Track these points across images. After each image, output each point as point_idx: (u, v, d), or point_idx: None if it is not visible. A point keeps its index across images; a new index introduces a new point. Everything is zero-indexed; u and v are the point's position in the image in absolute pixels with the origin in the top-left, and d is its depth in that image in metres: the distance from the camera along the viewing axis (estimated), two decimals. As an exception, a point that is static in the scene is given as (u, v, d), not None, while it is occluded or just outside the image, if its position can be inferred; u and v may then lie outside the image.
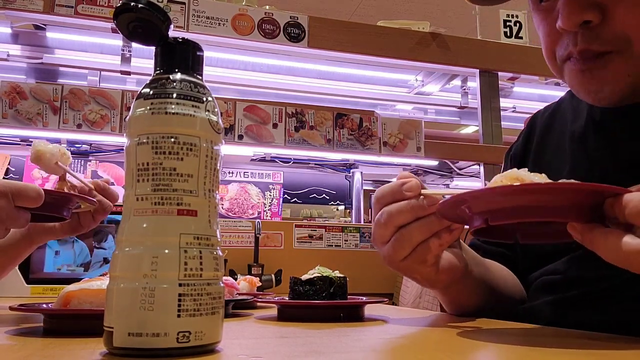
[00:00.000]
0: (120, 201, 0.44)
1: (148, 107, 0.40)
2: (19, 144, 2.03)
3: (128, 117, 0.41)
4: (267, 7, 2.16)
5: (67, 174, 0.81)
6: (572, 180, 0.44)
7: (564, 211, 0.43)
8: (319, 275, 0.72)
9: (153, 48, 0.43)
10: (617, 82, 0.61)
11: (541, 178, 0.46)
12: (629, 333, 0.49)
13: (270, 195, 2.27)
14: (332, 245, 2.02)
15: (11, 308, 0.59)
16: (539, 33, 0.69)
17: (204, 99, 0.42)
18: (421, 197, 0.57)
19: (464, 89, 2.66)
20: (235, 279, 1.10)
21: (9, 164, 2.05)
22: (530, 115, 0.89)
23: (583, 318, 0.60)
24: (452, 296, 0.71)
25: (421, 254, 0.58)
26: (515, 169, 0.47)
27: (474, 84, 2.47)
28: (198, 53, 0.43)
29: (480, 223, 0.47)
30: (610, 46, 0.60)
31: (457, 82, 2.63)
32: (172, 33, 0.42)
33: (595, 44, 0.60)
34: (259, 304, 0.91)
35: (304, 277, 0.72)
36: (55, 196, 0.71)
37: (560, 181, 0.44)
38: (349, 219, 2.39)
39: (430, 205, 0.56)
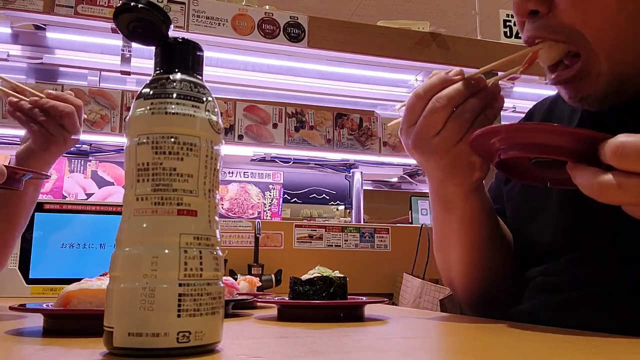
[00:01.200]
0: (120, 201, 0.44)
1: (148, 107, 0.40)
2: (19, 144, 2.03)
3: (128, 117, 0.41)
4: (267, 7, 2.16)
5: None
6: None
7: (563, 151, 0.49)
8: (319, 275, 0.72)
9: (153, 48, 0.43)
10: (594, 86, 0.62)
11: None
12: (629, 335, 0.49)
13: (270, 195, 2.27)
14: (332, 245, 2.02)
15: (11, 308, 0.59)
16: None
17: (204, 99, 0.42)
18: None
19: (464, 89, 2.65)
20: (235, 279, 1.10)
21: (9, 163, 2.05)
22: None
23: (582, 320, 0.60)
24: (458, 214, 0.72)
25: (459, 124, 0.62)
26: None
27: (474, 84, 2.46)
28: (198, 53, 0.43)
29: (497, 157, 0.55)
30: (560, 36, 0.61)
31: (457, 82, 2.62)
32: (172, 33, 0.42)
33: (540, 31, 0.62)
34: (259, 304, 0.91)
35: (304, 277, 0.72)
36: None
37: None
38: (349, 219, 2.39)
39: (481, 81, 0.63)
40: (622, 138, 0.44)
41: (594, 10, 0.59)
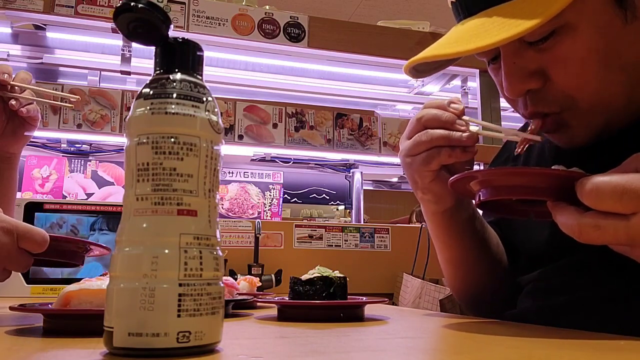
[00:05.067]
0: (120, 201, 0.44)
1: (148, 107, 0.40)
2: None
3: (128, 117, 0.41)
4: (267, 7, 2.16)
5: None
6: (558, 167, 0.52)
7: (542, 191, 0.51)
8: (319, 275, 0.71)
9: (153, 48, 0.43)
10: (576, 131, 0.64)
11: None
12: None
13: (270, 195, 2.27)
14: (332, 245, 2.01)
15: (11, 308, 0.58)
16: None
17: (204, 99, 0.42)
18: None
19: (464, 89, 2.66)
20: (235, 279, 1.10)
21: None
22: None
23: (574, 324, 0.60)
24: (445, 233, 0.77)
25: (430, 157, 0.66)
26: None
27: (474, 84, 2.46)
28: (198, 53, 0.43)
29: (478, 199, 0.55)
30: (555, 107, 0.63)
31: (457, 82, 2.63)
32: (172, 33, 0.42)
33: (541, 106, 0.63)
34: (259, 304, 0.91)
35: (304, 277, 0.72)
36: (61, 242, 0.66)
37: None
38: (349, 219, 2.39)
39: (461, 126, 0.65)
40: (597, 178, 0.45)
41: (587, 75, 0.60)
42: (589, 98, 0.61)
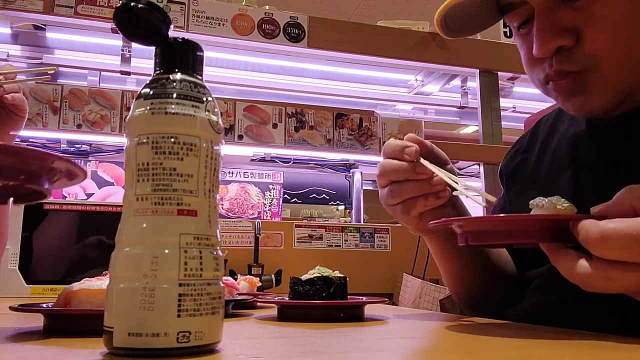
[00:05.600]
0: (120, 201, 0.44)
1: (148, 107, 0.40)
2: (19, 144, 2.03)
3: (128, 117, 0.41)
4: (267, 7, 2.16)
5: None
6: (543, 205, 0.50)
7: (534, 235, 0.49)
8: (319, 275, 0.71)
9: (153, 48, 0.43)
10: (595, 96, 0.63)
11: (569, 207, 0.51)
12: (624, 335, 0.49)
13: (270, 195, 2.27)
14: (332, 245, 2.02)
15: (11, 308, 0.58)
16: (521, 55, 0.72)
17: (204, 99, 0.42)
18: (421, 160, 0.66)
19: (464, 89, 2.66)
20: (235, 279, 1.10)
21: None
22: (529, 115, 0.91)
23: (584, 317, 0.60)
24: (444, 253, 0.78)
25: (407, 208, 0.68)
26: (539, 198, 0.52)
27: (474, 84, 2.47)
28: (198, 53, 0.43)
29: (464, 242, 0.54)
30: (580, 66, 0.62)
31: (457, 82, 2.63)
32: (172, 33, 0.42)
33: (568, 65, 0.63)
34: (259, 304, 0.91)
35: (304, 277, 0.72)
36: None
37: (531, 213, 0.51)
38: (349, 219, 2.39)
39: (420, 173, 0.65)
40: (605, 226, 0.43)
41: (617, 38, 0.60)
42: (614, 61, 0.61)
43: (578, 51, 0.62)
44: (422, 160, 0.66)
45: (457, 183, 0.64)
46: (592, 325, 0.55)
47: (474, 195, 0.63)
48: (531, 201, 0.53)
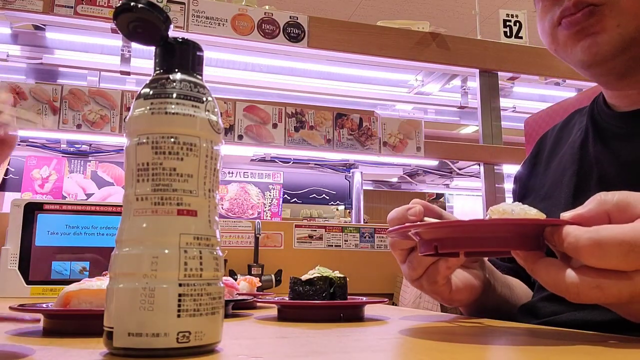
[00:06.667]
0: (120, 201, 0.44)
1: (148, 107, 0.40)
2: (19, 144, 2.03)
3: (128, 117, 0.41)
4: (267, 7, 2.16)
5: None
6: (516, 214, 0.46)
7: (506, 242, 0.46)
8: (319, 275, 0.71)
9: (153, 48, 0.43)
10: (606, 31, 0.64)
11: (537, 214, 0.47)
12: (626, 330, 0.49)
13: (270, 195, 2.27)
14: (332, 246, 2.02)
15: (11, 308, 0.58)
16: (537, 16, 0.72)
17: (204, 99, 0.42)
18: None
19: (464, 89, 2.66)
20: (235, 279, 1.10)
21: (8, 164, 2.05)
22: (529, 115, 0.91)
23: (581, 314, 0.60)
24: (474, 314, 0.74)
25: (432, 275, 0.62)
26: (504, 203, 0.49)
27: (474, 84, 2.47)
28: (198, 53, 0.43)
29: (430, 249, 0.50)
30: None
31: (457, 82, 2.63)
32: (172, 33, 0.42)
33: None
34: (259, 304, 0.91)
35: (304, 277, 0.72)
36: None
37: (504, 217, 0.47)
38: (349, 219, 2.39)
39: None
40: (598, 233, 0.40)
41: None
42: None
43: None
44: (427, 218, 0.61)
45: None
46: (606, 321, 0.55)
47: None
48: (491, 207, 0.49)
